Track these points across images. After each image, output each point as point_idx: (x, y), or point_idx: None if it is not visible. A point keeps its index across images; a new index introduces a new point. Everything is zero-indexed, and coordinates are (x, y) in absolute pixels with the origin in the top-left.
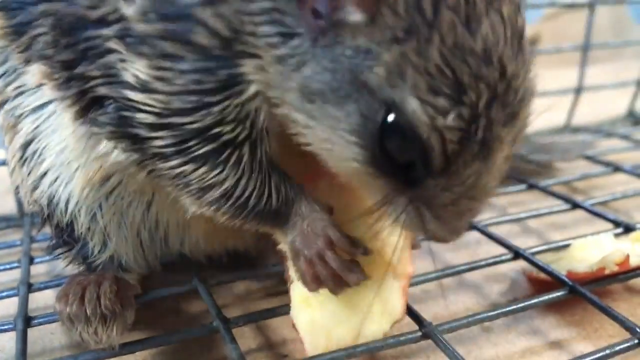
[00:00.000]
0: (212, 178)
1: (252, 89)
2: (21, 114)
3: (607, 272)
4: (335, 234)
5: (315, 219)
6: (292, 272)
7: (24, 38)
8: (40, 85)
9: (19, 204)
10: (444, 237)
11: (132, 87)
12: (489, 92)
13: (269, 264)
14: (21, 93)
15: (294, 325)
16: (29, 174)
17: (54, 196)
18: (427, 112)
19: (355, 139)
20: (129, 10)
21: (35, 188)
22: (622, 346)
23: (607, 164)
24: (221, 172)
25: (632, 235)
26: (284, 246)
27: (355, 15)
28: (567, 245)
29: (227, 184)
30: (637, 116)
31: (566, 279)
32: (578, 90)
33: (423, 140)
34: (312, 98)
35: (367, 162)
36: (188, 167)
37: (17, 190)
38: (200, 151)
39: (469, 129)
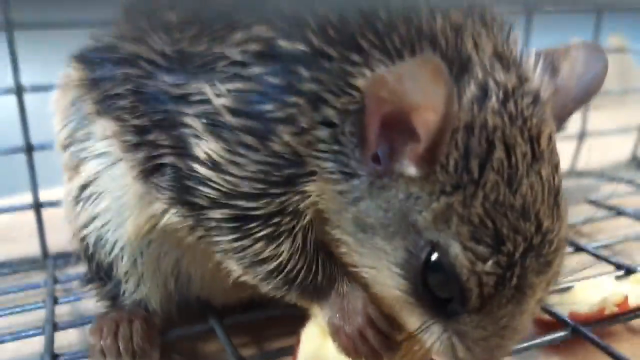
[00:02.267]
0: (267, 252)
1: (311, 199)
2: (85, 158)
3: (607, 312)
4: (375, 313)
5: (357, 297)
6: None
7: (100, 90)
8: (108, 138)
9: (43, 246)
10: None
11: (202, 163)
12: (525, 244)
13: (283, 305)
14: (89, 139)
15: (297, 343)
16: (81, 212)
17: (102, 237)
18: (468, 257)
19: (400, 271)
20: (218, 101)
21: (85, 227)
22: None
23: (610, 208)
24: (277, 247)
25: (632, 277)
26: (321, 321)
27: (411, 170)
28: (570, 287)
29: (281, 259)
30: None
31: (568, 320)
32: (581, 136)
33: (462, 282)
34: (364, 229)
35: (408, 293)
36: (245, 242)
37: (41, 232)
38: (259, 233)
39: (504, 275)
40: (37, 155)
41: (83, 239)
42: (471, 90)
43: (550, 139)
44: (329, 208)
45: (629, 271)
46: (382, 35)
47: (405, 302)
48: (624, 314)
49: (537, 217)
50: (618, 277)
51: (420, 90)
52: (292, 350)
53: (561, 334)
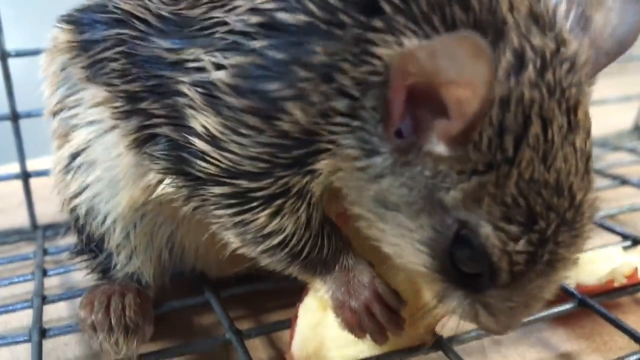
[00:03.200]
0: (271, 227)
1: (321, 178)
2: (76, 125)
3: (615, 284)
4: (383, 287)
5: (363, 271)
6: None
7: (88, 54)
8: (99, 105)
9: (32, 217)
10: (497, 331)
11: (199, 136)
12: (558, 220)
13: (279, 277)
14: (79, 104)
15: (294, 318)
16: (72, 182)
17: (93, 209)
18: (500, 237)
19: (426, 249)
20: (217, 75)
21: (75, 197)
22: (631, 358)
23: (614, 177)
24: (280, 221)
25: None
26: (323, 294)
27: (440, 148)
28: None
29: (286, 233)
30: None
31: (575, 292)
32: None
33: (493, 261)
34: (387, 206)
35: (433, 269)
36: (247, 216)
37: (30, 202)
38: (261, 212)
39: (536, 252)
40: (25, 124)
41: (73, 209)
42: (507, 59)
43: (587, 105)
44: (346, 185)
45: (636, 242)
46: None
47: (430, 277)
48: (633, 286)
49: (570, 191)
50: (625, 248)
51: (457, 68)
52: (289, 323)
53: (568, 306)
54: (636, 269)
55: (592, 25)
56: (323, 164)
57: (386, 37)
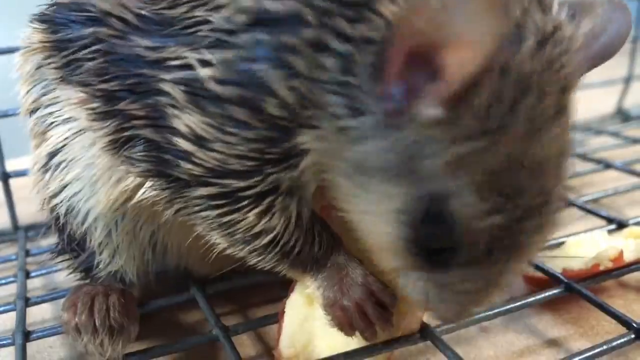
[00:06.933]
0: (260, 226)
1: (308, 160)
2: (52, 123)
3: (601, 268)
4: (376, 285)
5: (355, 269)
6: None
7: (63, 54)
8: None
9: (13, 218)
10: (447, 317)
11: (183, 136)
12: (530, 203)
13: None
14: (56, 103)
15: (281, 314)
16: (50, 181)
17: (73, 207)
18: (470, 212)
19: (397, 218)
20: (204, 72)
21: (55, 196)
22: (619, 341)
23: (598, 161)
24: (270, 219)
25: (625, 231)
26: (313, 292)
27: (433, 110)
28: (561, 243)
29: (275, 232)
30: (626, 113)
31: (562, 277)
32: None
33: (460, 235)
34: (364, 171)
35: (400, 240)
36: (235, 216)
37: (9, 204)
38: (250, 211)
39: (502, 234)
40: (4, 123)
41: (53, 208)
42: (509, 28)
43: (574, 92)
44: (326, 151)
45: (621, 225)
46: None
47: (394, 250)
48: (619, 269)
49: (555, 170)
50: (610, 232)
51: (467, 20)
52: (277, 318)
53: (554, 291)
54: (621, 252)
55: (580, 30)
56: (306, 136)
57: None
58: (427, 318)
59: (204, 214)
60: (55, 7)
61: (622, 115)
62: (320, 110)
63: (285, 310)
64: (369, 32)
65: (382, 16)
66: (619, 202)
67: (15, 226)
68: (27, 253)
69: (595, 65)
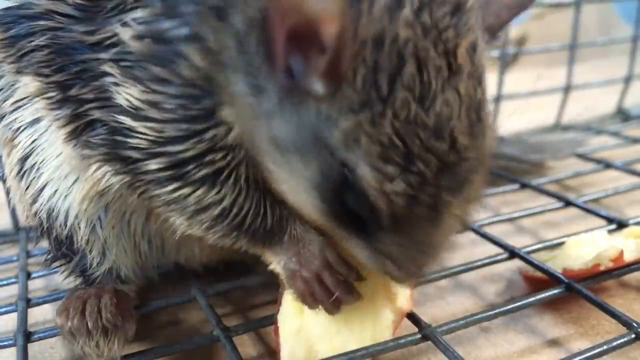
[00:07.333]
0: (209, 198)
1: (235, 134)
2: (18, 128)
3: (602, 268)
4: (332, 256)
5: (312, 240)
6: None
7: (16, 48)
8: (33, 98)
9: (14, 218)
10: (400, 278)
11: (126, 112)
12: (438, 163)
13: (266, 272)
14: (18, 107)
15: (275, 330)
16: (27, 187)
17: (53, 209)
18: (376, 178)
19: (316, 191)
20: (126, 34)
21: (34, 201)
22: (619, 341)
23: (598, 161)
24: (219, 191)
25: (625, 231)
26: (275, 266)
27: (317, 86)
28: (561, 243)
29: (225, 203)
30: (626, 113)
31: (562, 277)
32: (567, 89)
33: (371, 202)
34: (279, 149)
35: (326, 213)
36: (185, 190)
37: (11, 205)
38: (197, 175)
39: (416, 195)
40: None
41: (35, 214)
42: None
43: (472, 51)
44: (244, 125)
45: (621, 225)
46: None
47: (327, 222)
48: (619, 269)
49: (451, 134)
50: (610, 232)
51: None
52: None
53: (555, 291)
54: (622, 252)
55: None
56: (225, 111)
57: None
58: (427, 318)
59: (158, 191)
60: (4, 9)
61: (622, 115)
62: (231, 87)
63: (278, 325)
64: (258, 12)
65: None
66: (619, 202)
67: (17, 227)
68: (29, 254)
69: (513, 16)
